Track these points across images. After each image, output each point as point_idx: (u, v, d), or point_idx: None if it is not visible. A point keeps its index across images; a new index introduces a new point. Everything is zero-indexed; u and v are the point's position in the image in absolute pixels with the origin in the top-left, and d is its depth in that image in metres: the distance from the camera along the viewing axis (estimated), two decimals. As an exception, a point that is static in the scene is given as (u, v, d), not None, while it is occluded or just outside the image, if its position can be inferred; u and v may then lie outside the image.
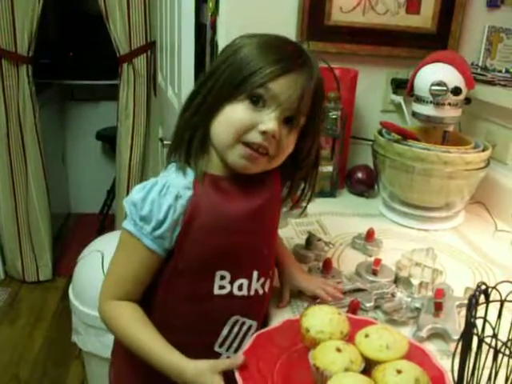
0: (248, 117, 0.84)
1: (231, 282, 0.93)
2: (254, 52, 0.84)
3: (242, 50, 0.85)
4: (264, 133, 0.84)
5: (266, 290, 0.98)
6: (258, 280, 0.95)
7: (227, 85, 0.84)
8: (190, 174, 0.89)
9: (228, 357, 0.94)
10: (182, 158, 0.91)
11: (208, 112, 0.87)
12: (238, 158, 0.87)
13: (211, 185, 0.89)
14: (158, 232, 0.87)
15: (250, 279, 0.94)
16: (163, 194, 0.86)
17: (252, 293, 0.95)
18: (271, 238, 1.00)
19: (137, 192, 0.87)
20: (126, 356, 1.02)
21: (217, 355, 0.95)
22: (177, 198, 0.86)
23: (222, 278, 0.92)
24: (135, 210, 0.87)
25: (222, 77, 0.85)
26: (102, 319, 0.94)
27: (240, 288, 0.94)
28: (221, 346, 0.95)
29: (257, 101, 0.83)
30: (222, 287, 0.92)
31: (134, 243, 0.88)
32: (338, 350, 0.82)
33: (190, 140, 0.90)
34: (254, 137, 0.84)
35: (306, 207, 1.08)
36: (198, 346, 0.91)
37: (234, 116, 0.85)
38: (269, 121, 0.84)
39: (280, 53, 0.84)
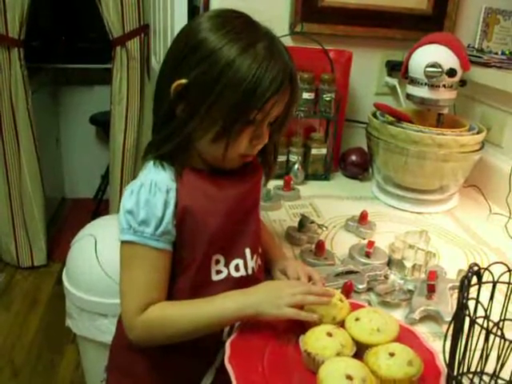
0: (248, 140, 0.88)
1: (226, 265, 0.93)
2: (248, 71, 0.80)
3: (233, 64, 0.80)
4: (258, 145, 0.90)
5: (259, 266, 1.00)
6: (252, 257, 0.96)
7: (223, 109, 0.82)
8: (170, 168, 0.89)
9: None
10: (158, 156, 0.90)
11: (195, 124, 0.85)
12: (234, 166, 0.92)
13: (195, 175, 0.90)
14: (161, 229, 0.86)
15: (244, 258, 0.95)
16: (154, 192, 0.86)
17: (250, 271, 0.96)
18: (256, 214, 1.01)
19: (127, 200, 0.87)
20: (121, 369, 1.03)
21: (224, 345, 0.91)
22: (168, 191, 0.87)
23: (217, 262, 0.92)
24: (132, 217, 0.85)
25: (216, 97, 0.82)
26: (139, 337, 0.89)
27: (237, 269, 0.94)
28: (229, 334, 0.92)
29: (252, 121, 0.86)
30: (218, 272, 0.92)
31: (141, 251, 0.86)
32: (329, 334, 0.82)
33: (169, 141, 0.88)
34: (251, 150, 0.90)
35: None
36: (206, 336, 0.88)
37: (236, 143, 0.86)
38: (263, 135, 0.89)
39: (272, 69, 0.82)
